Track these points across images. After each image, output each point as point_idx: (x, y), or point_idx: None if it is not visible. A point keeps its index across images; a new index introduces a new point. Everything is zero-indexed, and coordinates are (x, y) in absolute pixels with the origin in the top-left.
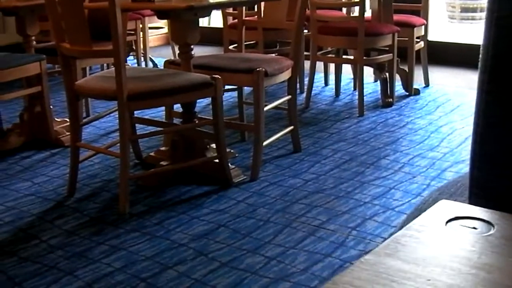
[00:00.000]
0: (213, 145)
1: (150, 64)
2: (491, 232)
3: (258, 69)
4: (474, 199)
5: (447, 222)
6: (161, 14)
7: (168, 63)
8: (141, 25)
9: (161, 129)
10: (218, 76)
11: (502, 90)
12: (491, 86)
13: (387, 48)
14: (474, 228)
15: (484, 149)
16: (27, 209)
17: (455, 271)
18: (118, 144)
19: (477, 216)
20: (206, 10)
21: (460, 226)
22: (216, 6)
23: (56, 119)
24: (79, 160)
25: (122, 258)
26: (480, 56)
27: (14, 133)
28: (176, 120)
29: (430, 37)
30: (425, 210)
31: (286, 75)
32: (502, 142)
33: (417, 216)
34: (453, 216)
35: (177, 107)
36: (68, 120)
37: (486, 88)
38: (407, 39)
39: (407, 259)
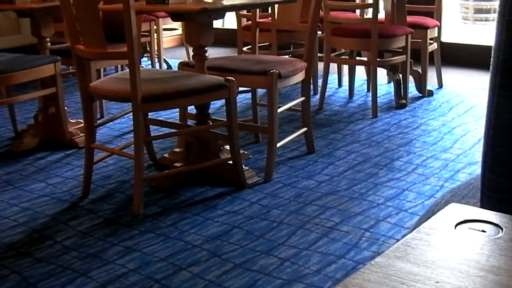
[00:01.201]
0: (227, 147)
1: (164, 66)
2: (500, 235)
3: (271, 71)
4: (486, 201)
5: (456, 225)
6: (175, 16)
7: (182, 65)
8: (155, 27)
9: (175, 130)
10: (232, 78)
11: None
12: (503, 89)
13: (401, 50)
14: (483, 231)
15: (495, 152)
16: (41, 210)
17: (463, 273)
18: (132, 146)
19: (486, 219)
20: (220, 12)
21: (469, 229)
22: (230, 8)
23: (70, 120)
24: (93, 161)
25: (136, 259)
26: (492, 59)
27: (29, 134)
28: (190, 122)
29: (444, 39)
30: (437, 212)
31: (299, 77)
32: None
33: (429, 218)
34: (462, 219)
35: (191, 109)
36: (82, 121)
37: (498, 91)
38: (420, 40)
39: (417, 262)
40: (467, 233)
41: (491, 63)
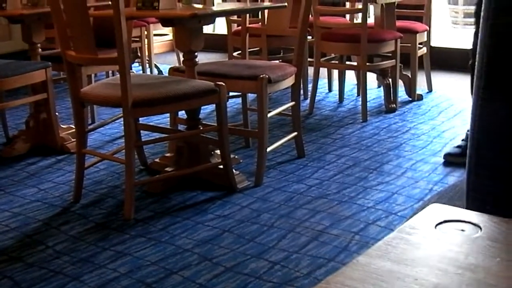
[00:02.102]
0: (218, 151)
1: (155, 71)
2: (479, 234)
3: (261, 76)
4: (471, 203)
5: (436, 225)
6: (165, 22)
7: (172, 70)
8: (146, 32)
9: (166, 135)
10: (222, 83)
11: (497, 96)
12: (487, 92)
13: (390, 54)
14: (462, 230)
15: (480, 154)
16: (33, 215)
17: (442, 271)
18: (123, 151)
19: (466, 219)
20: (210, 18)
21: (449, 228)
22: (220, 13)
23: (61, 125)
24: (84, 166)
25: (128, 263)
26: (476, 62)
27: (20, 140)
28: (181, 127)
29: (433, 43)
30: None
31: (289, 81)
32: (497, 147)
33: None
34: (442, 219)
35: (182, 114)
36: (73, 126)
37: (482, 94)
38: (409, 45)
39: (397, 260)
40: (446, 233)
41: (475, 66)
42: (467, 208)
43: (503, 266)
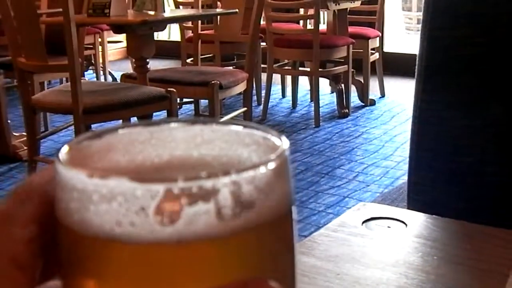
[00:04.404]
0: None
1: (110, 78)
2: (404, 230)
3: (212, 82)
4: (412, 204)
5: (363, 222)
6: (116, 28)
7: (125, 77)
8: (100, 39)
9: None
10: (172, 89)
11: (434, 99)
12: (425, 95)
13: (343, 60)
14: (389, 227)
15: (419, 155)
16: None
17: (364, 266)
18: None
19: (392, 216)
20: (161, 24)
21: (375, 225)
22: (171, 20)
23: (14, 133)
24: None
25: None
26: (416, 66)
27: None
28: None
29: (386, 48)
30: None
31: (241, 87)
32: (435, 149)
33: None
34: (369, 217)
35: (134, 121)
36: (25, 134)
37: (421, 97)
38: (362, 50)
39: (320, 256)
40: (372, 229)
41: (415, 70)
42: (408, 208)
43: (424, 261)
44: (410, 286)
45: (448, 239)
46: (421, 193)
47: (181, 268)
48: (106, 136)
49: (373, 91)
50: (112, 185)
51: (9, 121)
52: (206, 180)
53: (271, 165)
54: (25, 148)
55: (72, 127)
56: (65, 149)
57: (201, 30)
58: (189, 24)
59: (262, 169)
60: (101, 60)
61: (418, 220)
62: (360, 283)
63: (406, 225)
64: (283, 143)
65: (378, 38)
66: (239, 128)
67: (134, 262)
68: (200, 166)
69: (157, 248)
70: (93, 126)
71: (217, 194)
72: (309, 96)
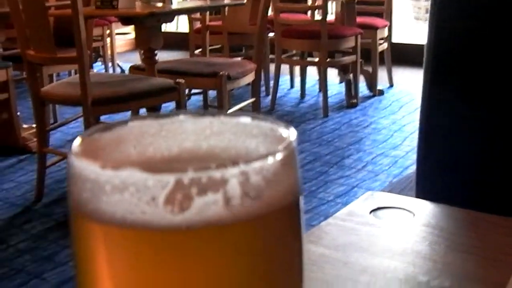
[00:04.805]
0: None
1: (118, 70)
2: (412, 219)
3: (221, 73)
4: (421, 192)
5: (371, 211)
6: (124, 20)
7: (133, 69)
8: (108, 31)
9: None
10: (181, 80)
11: (442, 88)
12: (433, 85)
13: (351, 50)
14: (397, 216)
15: (428, 145)
16: None
17: (372, 255)
18: None
19: (400, 206)
20: (169, 16)
21: (383, 214)
22: (179, 11)
23: (23, 125)
24: (46, 165)
25: None
26: (424, 56)
27: None
28: None
29: (395, 39)
30: None
31: (249, 78)
32: (444, 139)
33: None
34: (377, 206)
35: (143, 112)
36: (35, 126)
37: (429, 87)
38: (370, 40)
39: (329, 245)
40: (380, 218)
41: (424, 60)
42: (417, 197)
43: (431, 249)
44: (417, 274)
45: (455, 227)
46: (429, 182)
47: (190, 254)
48: (117, 128)
49: (382, 81)
50: (124, 176)
51: (18, 113)
52: (215, 170)
53: (279, 156)
54: (35, 140)
55: (81, 118)
56: (77, 141)
57: (209, 21)
58: (197, 15)
59: (270, 160)
60: (109, 52)
61: (425, 209)
62: (368, 272)
63: (413, 214)
64: (291, 134)
65: (386, 28)
66: (247, 119)
67: (145, 249)
68: (209, 157)
69: (167, 235)
70: (102, 117)
71: (226, 184)
72: (317, 86)
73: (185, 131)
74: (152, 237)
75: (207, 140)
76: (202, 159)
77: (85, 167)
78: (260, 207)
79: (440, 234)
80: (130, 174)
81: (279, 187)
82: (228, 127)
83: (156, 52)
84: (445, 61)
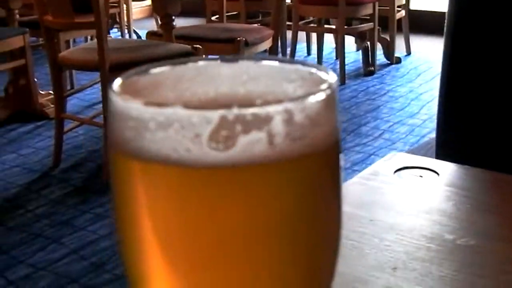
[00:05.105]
0: None
1: (134, 37)
2: (436, 179)
3: (238, 39)
4: (441, 157)
5: (395, 171)
6: None
7: (150, 34)
8: None
9: None
10: (199, 45)
11: (463, 54)
12: (454, 51)
13: (368, 17)
14: (421, 176)
15: (448, 112)
16: (13, 180)
17: (398, 212)
18: (102, 115)
19: (424, 166)
20: None
21: (407, 174)
22: None
23: (40, 91)
24: (63, 131)
25: (107, 225)
26: (445, 22)
27: None
28: None
29: (412, 6)
30: None
31: (266, 44)
32: (464, 104)
33: None
34: (402, 166)
35: None
36: (52, 92)
37: (449, 52)
38: (388, 8)
39: (353, 203)
40: (405, 178)
41: (444, 26)
42: None
43: (456, 209)
44: (443, 232)
45: (478, 188)
46: (449, 148)
47: (235, 193)
48: (154, 72)
49: (399, 49)
50: (168, 112)
51: (35, 80)
52: (260, 107)
53: (322, 96)
54: (52, 106)
55: (98, 84)
56: (118, 81)
57: None
58: None
59: (313, 99)
60: (125, 19)
61: (449, 170)
62: (394, 229)
63: (438, 174)
64: (331, 76)
65: None
66: (285, 64)
67: (189, 187)
68: (247, 102)
69: (212, 173)
70: None
71: (271, 121)
72: (334, 54)
73: (221, 76)
74: (196, 175)
75: (244, 85)
76: (239, 103)
77: (128, 105)
78: (303, 146)
79: (464, 194)
80: (174, 110)
81: (321, 127)
82: (265, 72)
83: (173, 18)
84: (466, 26)
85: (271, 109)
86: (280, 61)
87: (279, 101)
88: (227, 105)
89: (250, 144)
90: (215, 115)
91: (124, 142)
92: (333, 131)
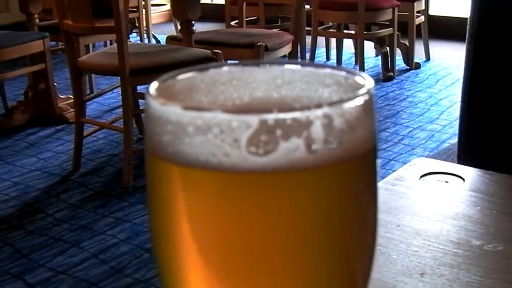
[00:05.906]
0: None
1: (153, 41)
2: (461, 185)
3: (258, 44)
4: (463, 164)
5: (421, 176)
6: None
7: (170, 39)
8: (143, 2)
9: None
10: (219, 51)
11: (486, 58)
12: (476, 55)
13: (388, 23)
14: (446, 182)
15: (470, 116)
16: (33, 184)
17: (424, 218)
18: (122, 120)
19: (450, 171)
20: None
21: (433, 180)
22: None
23: (60, 96)
24: (83, 135)
25: (126, 229)
26: (467, 27)
27: (19, 111)
28: None
29: (432, 11)
30: None
31: (286, 49)
32: (486, 109)
33: None
34: (427, 172)
35: None
36: (72, 96)
37: (472, 57)
38: (407, 13)
39: (380, 209)
40: (430, 184)
41: (467, 30)
42: None
43: (483, 214)
44: (470, 238)
45: (504, 193)
46: (472, 154)
47: (274, 198)
48: (188, 76)
49: (418, 54)
50: (207, 117)
51: (55, 84)
52: (300, 112)
53: (360, 101)
54: (71, 110)
55: (117, 89)
56: (154, 85)
57: None
58: None
59: (352, 104)
60: (144, 24)
61: (474, 175)
62: (420, 234)
63: (463, 179)
64: (367, 81)
65: (423, 1)
66: (320, 69)
67: (228, 191)
68: (281, 106)
69: (252, 178)
70: (139, 87)
71: (310, 126)
72: (353, 59)
73: (256, 80)
74: (235, 180)
75: (278, 90)
76: (277, 108)
77: (166, 109)
78: (342, 152)
79: (490, 199)
80: (213, 115)
81: (360, 132)
82: (299, 77)
83: (193, 22)
84: (489, 30)
85: (310, 113)
86: (316, 66)
87: (318, 106)
88: (267, 110)
89: (289, 149)
90: (255, 119)
91: (162, 146)
92: (370, 137)
